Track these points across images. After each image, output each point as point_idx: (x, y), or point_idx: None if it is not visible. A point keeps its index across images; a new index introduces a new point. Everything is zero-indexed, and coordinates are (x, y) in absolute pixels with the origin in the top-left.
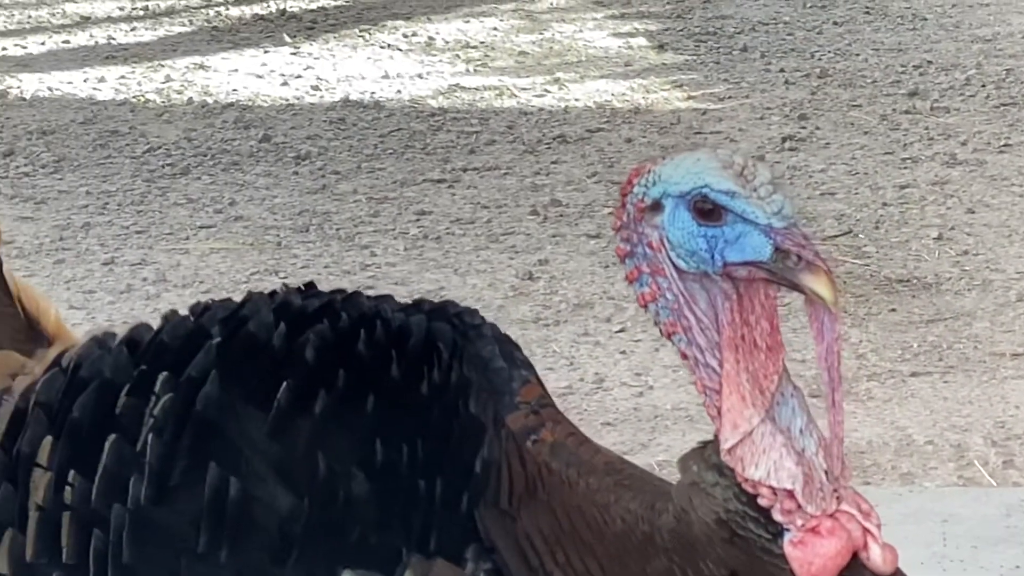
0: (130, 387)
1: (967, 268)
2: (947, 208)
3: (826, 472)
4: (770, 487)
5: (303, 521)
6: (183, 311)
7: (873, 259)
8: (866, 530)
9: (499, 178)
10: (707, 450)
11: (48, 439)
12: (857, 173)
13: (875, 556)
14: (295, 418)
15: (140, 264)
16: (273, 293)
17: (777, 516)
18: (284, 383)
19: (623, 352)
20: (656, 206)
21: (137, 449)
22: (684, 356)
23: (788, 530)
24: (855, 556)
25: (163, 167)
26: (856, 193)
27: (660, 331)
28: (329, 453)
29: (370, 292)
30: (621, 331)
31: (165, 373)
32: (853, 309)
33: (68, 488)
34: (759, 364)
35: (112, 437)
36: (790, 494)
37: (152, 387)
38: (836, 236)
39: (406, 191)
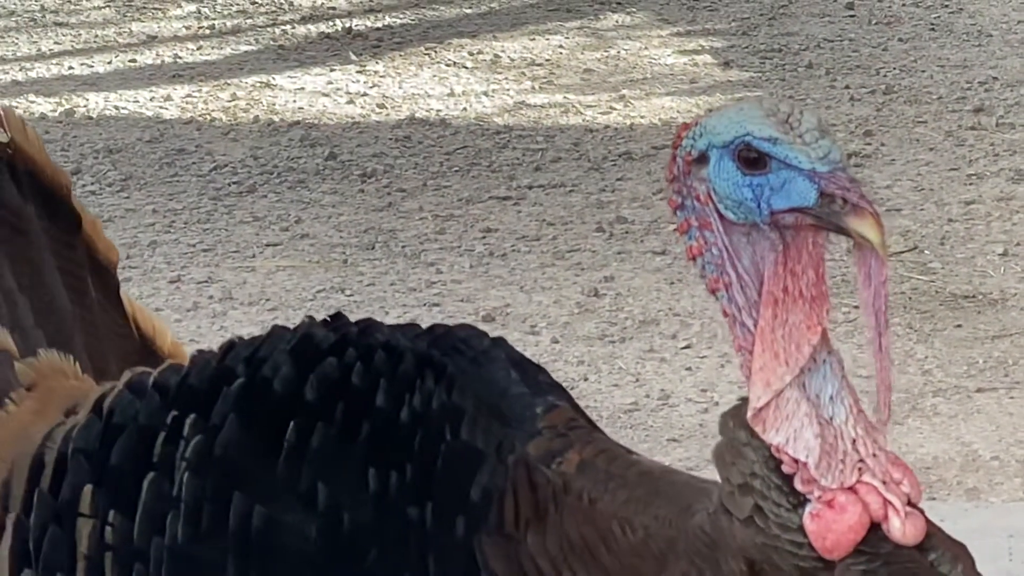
0: (163, 432)
1: None
2: (1013, 224)
3: (854, 441)
4: (790, 455)
5: (317, 550)
6: (211, 350)
7: (939, 275)
8: (887, 502)
9: (564, 195)
10: (744, 407)
11: (89, 487)
12: (923, 189)
13: (895, 529)
14: (302, 453)
15: (207, 282)
16: (300, 326)
17: (798, 485)
18: (291, 423)
19: (689, 368)
20: (702, 158)
21: (173, 489)
22: (725, 314)
23: (810, 501)
24: (878, 528)
25: (229, 185)
26: (922, 209)
27: (706, 287)
28: (330, 483)
29: (436, 310)
30: (687, 347)
31: (193, 416)
32: (919, 325)
33: (109, 528)
34: (803, 315)
35: (150, 476)
36: (805, 466)
37: (181, 431)
38: (902, 252)
39: (472, 208)
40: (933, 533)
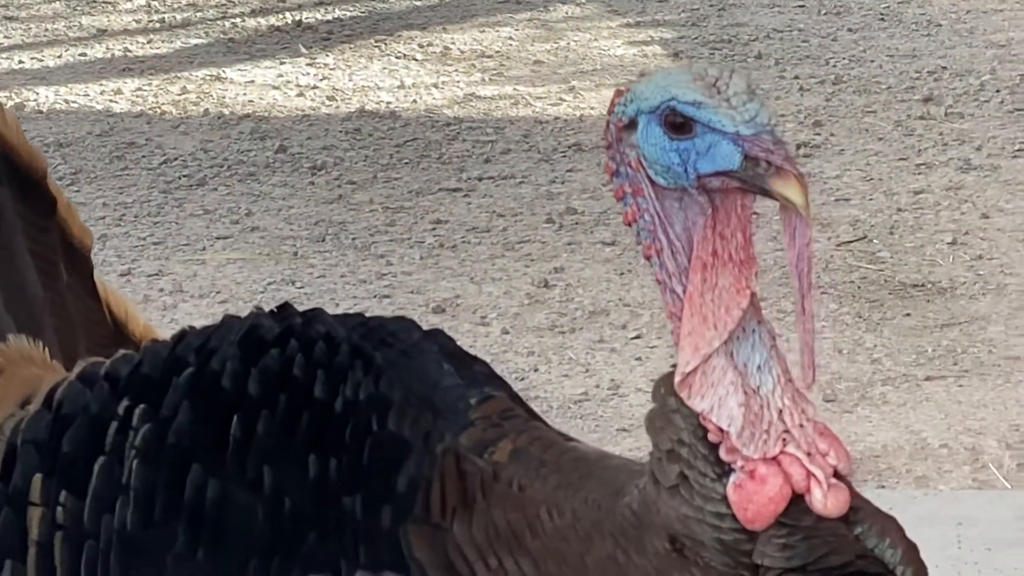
0: (114, 422)
1: (981, 272)
2: (961, 213)
3: (780, 411)
4: (714, 424)
5: (262, 531)
6: (163, 340)
7: (888, 264)
8: (810, 473)
9: (515, 187)
10: (675, 374)
11: (39, 476)
12: (872, 179)
13: (816, 501)
14: (248, 441)
15: (157, 275)
16: (248, 316)
17: (723, 455)
18: (237, 414)
19: (639, 359)
20: (632, 124)
21: (123, 476)
22: (658, 281)
23: (734, 471)
24: (801, 499)
25: (179, 178)
26: (871, 199)
27: (643, 254)
28: (275, 469)
29: (386, 302)
30: (637, 338)
31: (143, 406)
32: (868, 314)
33: (60, 509)
34: (732, 279)
35: (101, 460)
36: (728, 435)
37: (131, 420)
38: (851, 242)
39: (422, 200)
40: (859, 506)
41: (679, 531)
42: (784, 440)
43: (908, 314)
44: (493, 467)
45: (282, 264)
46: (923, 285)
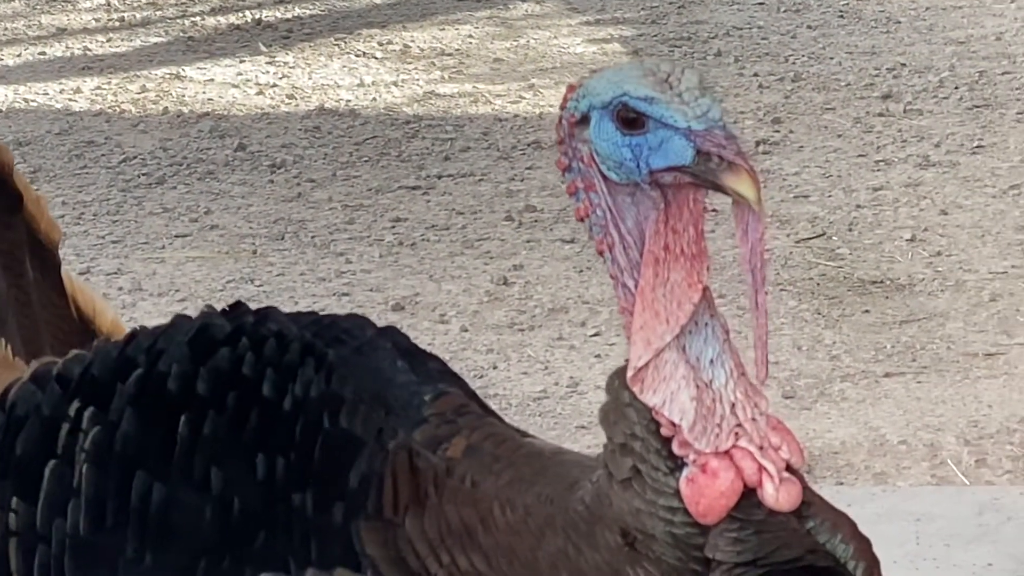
0: (65, 423)
1: (940, 269)
2: (920, 210)
3: (733, 405)
4: (666, 417)
5: (210, 531)
6: (113, 340)
7: (847, 261)
8: (762, 467)
9: (474, 184)
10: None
11: None
12: (831, 176)
13: (768, 495)
14: (195, 442)
15: (116, 274)
16: (199, 316)
17: (675, 449)
18: (184, 415)
19: (597, 356)
20: (584, 119)
21: (74, 480)
22: (612, 276)
23: (686, 465)
24: (753, 493)
25: (139, 177)
26: (830, 196)
27: (596, 249)
28: (223, 468)
29: (345, 299)
30: (595, 335)
31: (92, 409)
32: (827, 311)
33: (12, 515)
34: (683, 273)
35: (52, 463)
36: (680, 429)
37: (81, 423)
38: (810, 238)
39: (381, 198)
40: (811, 501)
41: (631, 524)
42: (736, 434)
43: (867, 311)
44: (446, 463)
45: (241, 262)
46: (882, 282)
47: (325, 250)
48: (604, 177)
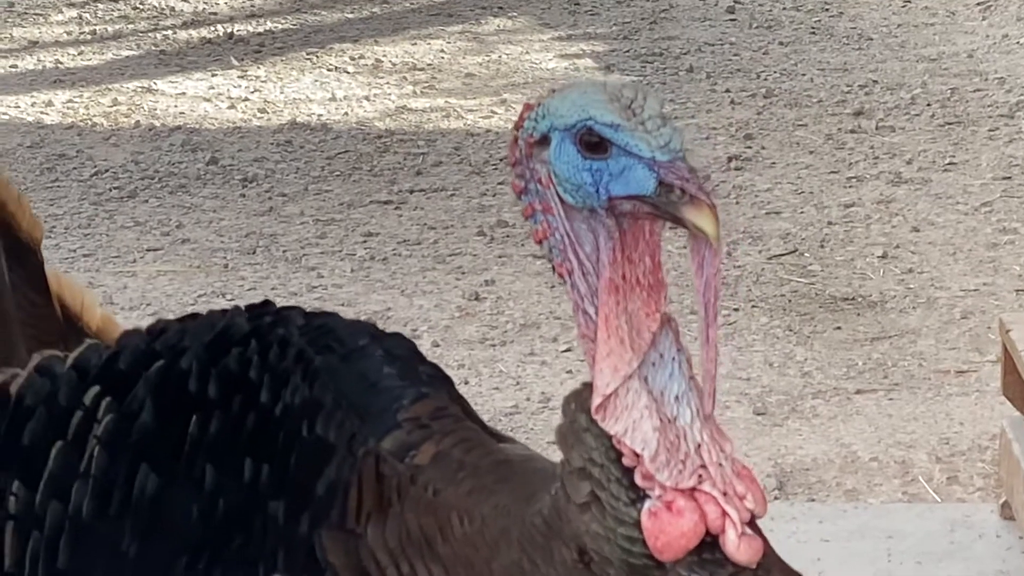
0: (79, 411)
1: (912, 286)
2: (892, 227)
3: (699, 446)
4: (628, 447)
5: (194, 529)
6: (139, 330)
7: (818, 277)
8: (726, 514)
9: (446, 199)
10: (586, 391)
11: None
12: (802, 192)
13: (730, 544)
14: (201, 440)
15: (87, 287)
16: (225, 310)
17: (638, 480)
18: (195, 415)
19: (569, 372)
20: (544, 140)
21: (82, 464)
22: (573, 302)
23: (649, 497)
24: (715, 539)
25: (110, 190)
26: (801, 212)
27: (554, 271)
28: (217, 468)
29: None
30: (567, 351)
31: (110, 398)
32: (798, 327)
33: (12, 499)
34: (641, 303)
35: (59, 444)
36: (642, 459)
37: (97, 411)
38: (782, 255)
39: (353, 213)
40: (771, 565)
41: (588, 545)
42: (700, 476)
43: (839, 327)
44: (411, 471)
45: (213, 276)
46: (853, 299)
47: (297, 264)
48: (561, 200)
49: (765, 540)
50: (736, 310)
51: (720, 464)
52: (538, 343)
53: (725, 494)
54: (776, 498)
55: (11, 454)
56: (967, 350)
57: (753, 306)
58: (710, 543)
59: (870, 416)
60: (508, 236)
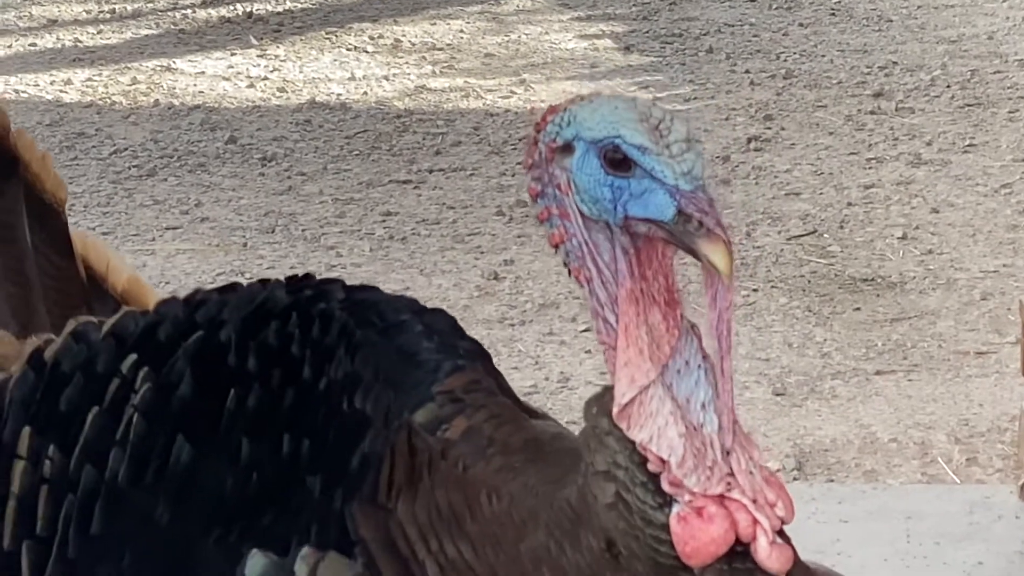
0: (116, 379)
1: (931, 267)
2: (912, 208)
3: (727, 453)
4: (654, 453)
5: (227, 500)
6: (176, 299)
7: (838, 258)
8: (756, 522)
9: (465, 179)
10: (607, 395)
11: (28, 430)
12: (822, 173)
13: (761, 551)
14: (240, 413)
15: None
16: (265, 282)
17: (665, 487)
18: (233, 388)
19: (588, 351)
20: (567, 148)
21: (119, 429)
22: (592, 310)
23: (677, 502)
24: (745, 546)
25: (129, 169)
26: (821, 193)
27: (569, 274)
28: (253, 442)
29: None
30: (586, 330)
31: (148, 368)
32: (818, 308)
33: (48, 463)
34: (658, 319)
35: (95, 410)
36: (669, 465)
37: (135, 380)
38: (801, 236)
39: (372, 192)
40: (798, 566)
41: (617, 540)
42: (729, 484)
43: (858, 308)
44: (442, 445)
45: (231, 255)
46: (873, 279)
47: (315, 244)
48: (579, 209)
49: (796, 552)
50: (755, 291)
51: (750, 472)
52: (557, 323)
53: (755, 501)
54: (795, 479)
55: (48, 419)
56: (986, 331)
57: (772, 287)
58: (741, 552)
59: (889, 397)
60: (527, 216)
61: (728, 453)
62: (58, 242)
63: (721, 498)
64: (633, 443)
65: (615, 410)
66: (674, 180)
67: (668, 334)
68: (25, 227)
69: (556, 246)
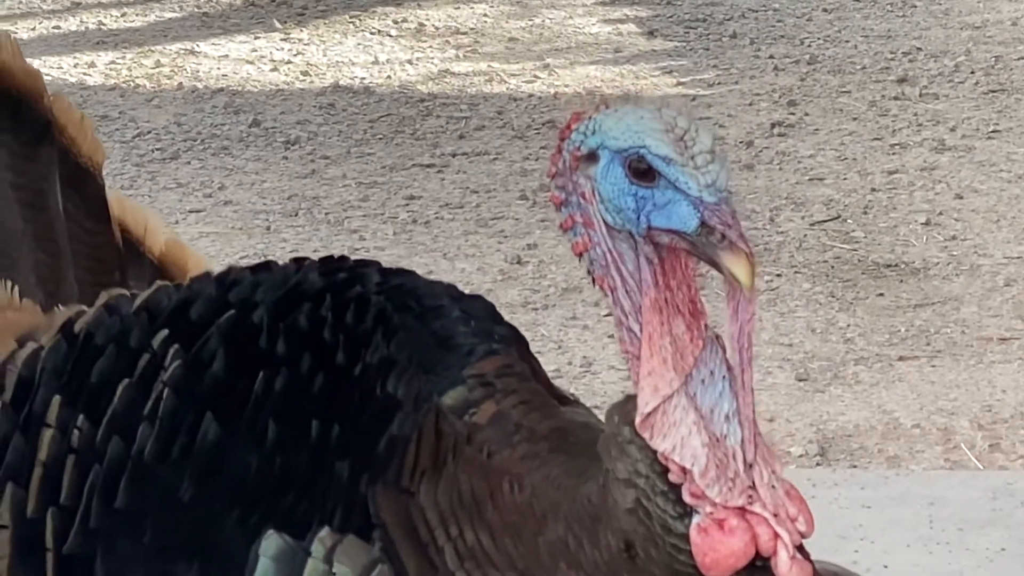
0: (147, 354)
1: (955, 253)
2: (935, 194)
3: (749, 465)
4: (676, 463)
5: (249, 482)
6: (209, 276)
7: (861, 244)
8: (777, 535)
9: (488, 163)
10: (630, 403)
11: (58, 399)
12: (846, 159)
13: (781, 566)
14: (267, 395)
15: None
16: (299, 261)
17: (686, 497)
18: (262, 370)
19: (611, 336)
20: (592, 156)
21: (147, 404)
22: (616, 319)
23: (698, 513)
24: (765, 560)
25: (153, 152)
26: (845, 178)
27: (593, 282)
28: (280, 425)
29: None
30: (609, 315)
31: (178, 346)
32: (841, 293)
33: (76, 432)
34: (682, 329)
35: (125, 382)
36: (692, 476)
37: (166, 356)
38: (824, 221)
39: (395, 176)
40: None
41: (636, 544)
42: (751, 497)
43: (881, 294)
44: (469, 429)
45: (255, 238)
46: (896, 265)
47: (339, 227)
48: (603, 218)
49: (815, 568)
50: (779, 276)
51: (772, 485)
52: (580, 307)
53: (776, 515)
54: (818, 464)
55: (78, 389)
56: (1010, 317)
57: (796, 272)
58: (760, 566)
59: (912, 383)
60: (550, 201)
61: (750, 466)
62: (93, 207)
63: (742, 511)
64: (655, 452)
65: (638, 419)
66: (698, 192)
67: (692, 344)
68: (57, 193)
69: (580, 254)
